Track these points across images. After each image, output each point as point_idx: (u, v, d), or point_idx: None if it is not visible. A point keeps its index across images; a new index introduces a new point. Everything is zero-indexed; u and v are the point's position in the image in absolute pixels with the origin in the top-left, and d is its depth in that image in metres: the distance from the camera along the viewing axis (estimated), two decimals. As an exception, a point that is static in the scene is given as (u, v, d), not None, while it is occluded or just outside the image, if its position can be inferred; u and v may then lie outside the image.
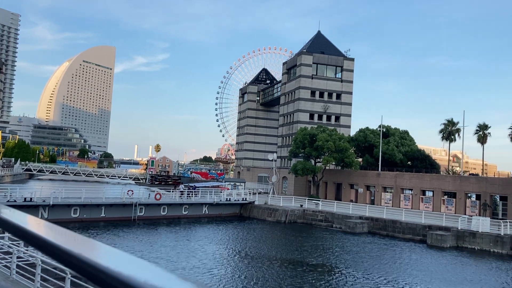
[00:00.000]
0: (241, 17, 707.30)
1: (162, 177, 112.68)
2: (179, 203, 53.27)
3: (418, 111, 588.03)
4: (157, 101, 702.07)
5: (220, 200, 56.90)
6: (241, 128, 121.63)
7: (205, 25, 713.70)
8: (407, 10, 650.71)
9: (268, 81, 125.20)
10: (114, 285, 0.93)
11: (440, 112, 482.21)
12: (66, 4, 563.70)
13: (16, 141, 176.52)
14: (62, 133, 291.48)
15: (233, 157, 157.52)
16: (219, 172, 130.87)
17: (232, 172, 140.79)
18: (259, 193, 70.74)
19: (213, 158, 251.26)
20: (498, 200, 55.20)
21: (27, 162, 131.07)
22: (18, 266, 13.98)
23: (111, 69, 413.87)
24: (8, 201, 40.64)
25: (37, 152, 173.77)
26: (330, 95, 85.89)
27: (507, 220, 43.55)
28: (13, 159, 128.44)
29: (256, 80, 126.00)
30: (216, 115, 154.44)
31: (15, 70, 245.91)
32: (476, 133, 79.54)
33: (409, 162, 76.02)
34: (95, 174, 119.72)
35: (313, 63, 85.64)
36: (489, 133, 78.84)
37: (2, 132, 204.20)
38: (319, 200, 58.66)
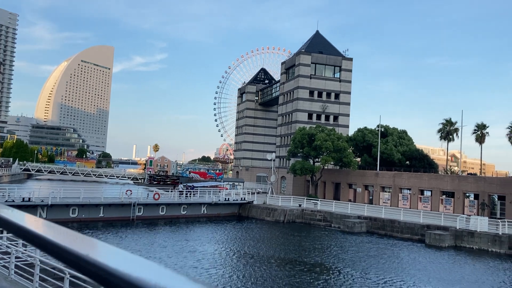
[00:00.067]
0: (239, 17, 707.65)
1: (161, 177, 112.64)
2: (178, 203, 53.26)
3: (417, 111, 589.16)
4: (156, 101, 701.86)
5: (219, 200, 56.90)
6: (239, 128, 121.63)
7: (203, 25, 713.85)
8: (405, 10, 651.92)
9: (266, 81, 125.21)
10: (112, 281, 0.95)
11: (439, 112, 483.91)
12: (65, 4, 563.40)
13: (14, 141, 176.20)
14: (61, 133, 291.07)
15: (232, 157, 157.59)
16: (217, 172, 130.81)
17: (231, 172, 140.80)
18: (258, 193, 70.78)
19: (212, 158, 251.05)
20: (496, 199, 55.33)
21: (25, 162, 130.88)
22: (16, 266, 13.97)
23: (109, 69, 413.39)
24: (6, 201, 40.58)
25: (35, 152, 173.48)
26: (328, 95, 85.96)
27: (505, 220, 43.66)
28: (11, 159, 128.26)
29: (255, 80, 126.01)
30: (215, 114, 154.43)
31: (13, 70, 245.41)
32: (474, 133, 79.74)
33: (407, 162, 76.16)
34: (93, 174, 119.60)
35: (311, 63, 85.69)
36: (487, 132, 79.03)
37: (0, 132, 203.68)
38: (318, 200, 58.70)
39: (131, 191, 51.40)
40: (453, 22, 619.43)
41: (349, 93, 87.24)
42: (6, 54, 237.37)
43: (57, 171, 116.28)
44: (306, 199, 59.77)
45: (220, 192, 61.20)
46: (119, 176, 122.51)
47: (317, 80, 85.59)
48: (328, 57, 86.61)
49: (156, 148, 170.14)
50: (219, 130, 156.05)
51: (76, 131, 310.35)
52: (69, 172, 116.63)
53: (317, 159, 70.13)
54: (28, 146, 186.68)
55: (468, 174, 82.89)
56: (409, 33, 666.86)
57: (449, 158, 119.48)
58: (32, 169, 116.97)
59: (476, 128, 79.47)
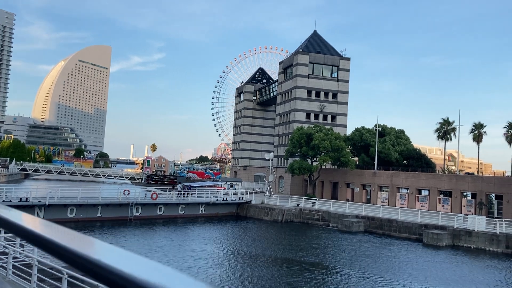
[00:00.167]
0: (237, 17, 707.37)
1: (158, 177, 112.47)
2: (176, 203, 53.22)
3: (414, 110, 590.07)
4: (153, 100, 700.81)
5: (217, 200, 56.89)
6: (237, 127, 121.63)
7: (201, 25, 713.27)
8: (402, 10, 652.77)
9: (264, 81, 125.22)
10: (111, 279, 0.96)
11: (436, 111, 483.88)
12: (62, 4, 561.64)
13: (11, 141, 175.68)
14: (58, 133, 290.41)
15: (230, 156, 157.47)
16: (215, 171, 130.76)
17: (229, 172, 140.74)
18: (256, 192, 70.81)
19: (210, 157, 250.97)
20: (494, 199, 55.48)
21: (22, 162, 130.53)
22: (14, 266, 13.93)
23: (107, 68, 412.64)
24: (3, 201, 40.50)
25: (33, 151, 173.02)
26: (326, 94, 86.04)
27: (503, 219, 43.79)
28: (8, 159, 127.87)
29: (253, 80, 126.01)
30: (213, 114, 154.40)
31: (10, 70, 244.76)
32: (471, 132, 79.86)
33: (405, 161, 76.28)
34: (91, 174, 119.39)
35: (309, 62, 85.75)
36: (484, 132, 79.18)
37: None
38: (316, 199, 58.76)
39: (128, 191, 51.34)
40: (449, 22, 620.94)
41: (346, 92, 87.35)
42: (3, 53, 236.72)
43: (54, 171, 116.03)
44: (304, 198, 59.82)
45: (218, 192, 61.19)
46: (116, 176, 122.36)
47: (315, 79, 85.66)
48: (326, 56, 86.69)
49: (153, 148, 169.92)
50: (217, 130, 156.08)
51: (74, 131, 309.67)
52: (66, 172, 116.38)
53: (315, 159, 70.20)
54: (25, 146, 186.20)
55: (465, 173, 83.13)
56: (406, 33, 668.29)
57: (447, 157, 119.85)
58: (29, 169, 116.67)
59: (473, 127, 79.63)
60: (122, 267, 0.97)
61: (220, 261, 31.74)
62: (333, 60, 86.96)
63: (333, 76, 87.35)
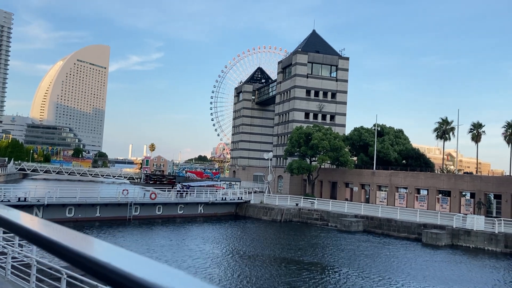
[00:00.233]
0: (236, 16, 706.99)
1: (157, 177, 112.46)
2: (175, 203, 53.17)
3: (413, 110, 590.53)
4: (152, 100, 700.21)
5: (216, 200, 56.84)
6: (236, 127, 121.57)
7: (200, 24, 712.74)
8: (401, 9, 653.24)
9: (263, 80, 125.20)
10: (109, 277, 0.98)
11: (435, 111, 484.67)
12: (60, 3, 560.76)
13: (9, 141, 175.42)
14: (56, 133, 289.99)
15: (228, 156, 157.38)
16: (214, 171, 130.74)
17: (228, 171, 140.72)
18: (255, 192, 70.77)
19: (208, 157, 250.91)
20: (492, 198, 55.53)
21: (20, 161, 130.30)
22: (13, 266, 13.88)
23: (105, 68, 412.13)
24: (2, 201, 40.41)
25: (31, 151, 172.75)
26: (325, 94, 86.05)
27: (501, 218, 43.84)
28: (6, 158, 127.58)
29: (251, 79, 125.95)
30: (211, 114, 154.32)
31: (8, 69, 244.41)
32: (470, 132, 80.00)
33: (403, 161, 76.33)
34: (89, 174, 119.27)
35: (308, 62, 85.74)
36: (483, 131, 79.32)
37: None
38: (315, 199, 58.76)
39: (127, 190, 51.27)
40: (447, 21, 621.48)
41: (345, 92, 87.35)
42: (1, 53, 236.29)
43: (53, 171, 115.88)
44: (303, 198, 59.82)
45: (217, 191, 61.14)
46: (115, 176, 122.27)
47: (314, 79, 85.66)
48: (325, 56, 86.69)
49: (152, 147, 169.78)
50: (215, 130, 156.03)
51: (72, 130, 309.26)
52: (65, 172, 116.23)
53: (314, 158, 70.21)
54: (23, 145, 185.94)
55: (464, 173, 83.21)
56: (405, 32, 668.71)
57: (445, 157, 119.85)
58: (28, 169, 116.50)
59: (472, 127, 79.75)
60: (121, 265, 0.98)
61: (219, 260, 31.71)
62: (332, 59, 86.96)
63: (332, 75, 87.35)
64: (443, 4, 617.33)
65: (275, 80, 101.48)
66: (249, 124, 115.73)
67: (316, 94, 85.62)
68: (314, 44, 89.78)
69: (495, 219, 43.93)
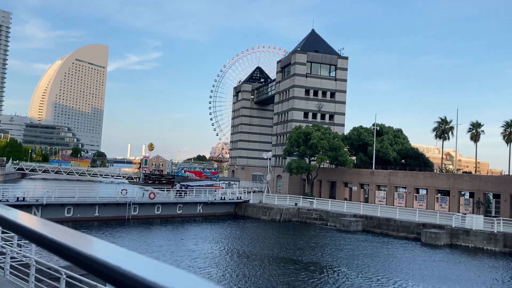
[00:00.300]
0: (234, 15, 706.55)
1: (156, 176, 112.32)
2: (174, 202, 53.09)
3: (412, 110, 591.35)
4: (150, 99, 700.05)
5: (215, 199, 56.78)
6: (235, 126, 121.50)
7: (198, 23, 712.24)
8: (400, 9, 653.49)
9: (262, 80, 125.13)
10: (110, 276, 1.00)
11: (434, 110, 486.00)
12: (58, 2, 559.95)
13: (7, 140, 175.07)
14: (55, 132, 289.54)
15: (227, 155, 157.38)
16: (213, 171, 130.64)
17: (226, 171, 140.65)
18: (254, 191, 70.72)
19: (207, 157, 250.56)
20: (491, 198, 55.58)
21: (19, 161, 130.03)
22: (12, 266, 13.82)
23: (104, 67, 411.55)
24: (0, 200, 40.27)
25: (30, 151, 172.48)
26: (324, 93, 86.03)
27: (500, 218, 43.86)
28: (5, 158, 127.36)
29: (250, 79, 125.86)
30: (210, 113, 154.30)
31: (6, 69, 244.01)
32: (469, 131, 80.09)
33: (402, 160, 76.35)
34: (88, 173, 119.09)
35: (307, 61, 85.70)
36: (482, 131, 79.42)
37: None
38: (314, 199, 58.74)
39: (126, 190, 51.20)
40: (446, 21, 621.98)
41: (344, 91, 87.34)
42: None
43: (51, 171, 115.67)
44: (302, 197, 59.78)
45: (216, 191, 61.07)
46: (114, 175, 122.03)
47: (313, 78, 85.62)
48: (324, 55, 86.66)
49: (151, 147, 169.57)
50: (214, 129, 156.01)
51: (71, 130, 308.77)
52: (63, 172, 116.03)
53: (313, 158, 70.18)
54: (22, 145, 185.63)
55: (463, 172, 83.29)
56: (404, 32, 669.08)
57: (444, 156, 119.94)
58: (26, 169, 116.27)
59: (471, 126, 79.84)
60: (119, 262, 1.00)
61: (218, 260, 31.66)
62: (331, 59, 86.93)
63: (331, 75, 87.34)
64: (442, 3, 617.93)
65: (274, 80, 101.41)
66: (248, 123, 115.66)
67: (315, 93, 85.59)
68: (313, 44, 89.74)
69: (494, 218, 43.95)
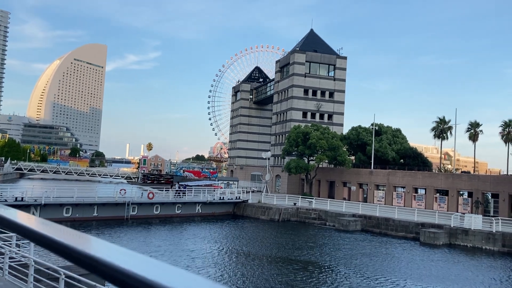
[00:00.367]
0: (233, 15, 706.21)
1: (155, 176, 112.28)
2: (172, 202, 53.06)
3: (410, 109, 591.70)
4: (149, 99, 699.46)
5: (214, 199, 56.76)
6: (234, 126, 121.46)
7: (197, 23, 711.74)
8: (399, 9, 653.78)
9: (261, 79, 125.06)
10: (110, 274, 1.01)
11: (432, 110, 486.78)
12: (57, 2, 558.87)
13: (6, 140, 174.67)
14: (53, 132, 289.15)
15: (226, 155, 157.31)
16: (212, 170, 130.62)
17: (225, 171, 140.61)
18: (253, 191, 70.70)
19: (206, 156, 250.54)
20: (490, 197, 55.69)
21: (17, 161, 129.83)
22: (10, 266, 13.79)
23: (102, 67, 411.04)
24: (-1, 200, 40.19)
25: (28, 151, 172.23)
26: (323, 93, 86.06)
27: (499, 218, 43.93)
28: (3, 158, 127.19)
29: (249, 79, 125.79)
30: (209, 113, 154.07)
31: (4, 68, 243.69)
32: (467, 131, 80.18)
33: (401, 160, 76.44)
34: (86, 173, 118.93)
35: (306, 61, 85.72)
36: (480, 131, 79.51)
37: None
38: (313, 198, 58.77)
39: (125, 190, 51.14)
40: (447, 21, 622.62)
41: (343, 91, 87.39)
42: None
43: (50, 170, 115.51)
44: (301, 197, 59.80)
45: (214, 191, 61.06)
46: (112, 175, 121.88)
47: (312, 78, 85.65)
48: (323, 55, 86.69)
49: (149, 147, 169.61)
50: (213, 129, 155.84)
51: (69, 130, 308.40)
52: (62, 171, 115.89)
53: (311, 158, 70.21)
54: (20, 145, 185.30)
55: (461, 172, 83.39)
56: (403, 32, 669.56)
57: (443, 156, 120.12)
58: (25, 168, 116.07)
59: (469, 126, 79.94)
60: (120, 262, 1.01)
61: (217, 260, 31.66)
62: (329, 59, 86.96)
63: (329, 75, 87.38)
64: (441, 3, 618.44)
65: (273, 79, 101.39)
66: (246, 123, 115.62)
67: (314, 93, 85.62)
68: (312, 43, 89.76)
69: (493, 218, 44.02)
